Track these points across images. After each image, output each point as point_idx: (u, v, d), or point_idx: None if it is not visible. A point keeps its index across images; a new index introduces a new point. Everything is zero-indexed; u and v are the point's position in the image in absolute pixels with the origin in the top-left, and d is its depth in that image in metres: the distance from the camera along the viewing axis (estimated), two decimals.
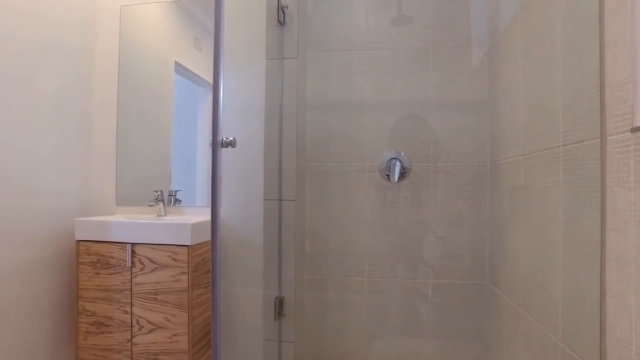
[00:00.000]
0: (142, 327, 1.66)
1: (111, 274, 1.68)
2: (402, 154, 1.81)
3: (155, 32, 2.05)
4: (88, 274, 1.71)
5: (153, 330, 1.65)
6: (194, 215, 1.92)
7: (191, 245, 1.61)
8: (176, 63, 2.06)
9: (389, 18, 1.83)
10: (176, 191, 1.93)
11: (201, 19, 2.06)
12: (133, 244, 1.65)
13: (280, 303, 1.73)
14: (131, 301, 1.67)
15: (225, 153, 1.86)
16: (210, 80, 2.02)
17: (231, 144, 1.08)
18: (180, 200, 1.94)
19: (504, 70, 1.57)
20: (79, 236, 1.70)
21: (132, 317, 1.67)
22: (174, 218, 1.84)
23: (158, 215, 1.87)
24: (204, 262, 1.74)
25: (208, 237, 1.76)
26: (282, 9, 1.71)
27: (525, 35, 1.37)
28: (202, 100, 2.10)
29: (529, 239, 1.32)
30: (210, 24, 2.04)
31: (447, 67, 1.78)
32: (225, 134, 1.85)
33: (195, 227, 1.62)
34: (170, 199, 1.92)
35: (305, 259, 1.82)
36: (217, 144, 1.03)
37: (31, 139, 1.67)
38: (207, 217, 1.85)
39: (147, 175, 2.00)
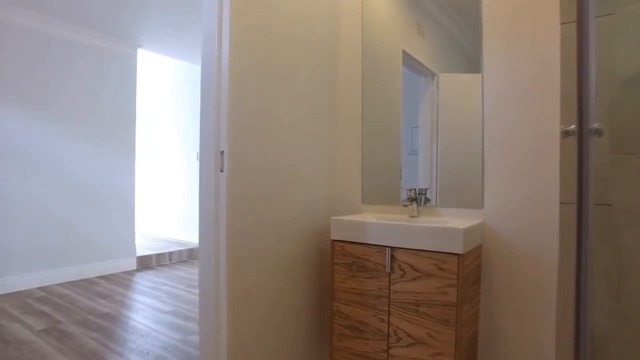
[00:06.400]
0: (400, 339, 1.51)
1: (367, 278, 1.58)
2: None
3: (386, 24, 1.93)
4: (343, 275, 1.65)
5: (412, 344, 1.48)
6: (449, 216, 1.68)
7: (462, 254, 1.37)
8: (403, 52, 1.89)
9: None
10: (426, 189, 1.73)
11: (422, 2, 1.83)
12: (392, 248, 1.51)
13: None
14: (388, 309, 1.53)
15: (494, 142, 1.57)
16: (433, 68, 1.81)
17: (598, 132, 0.77)
18: (429, 200, 1.73)
19: None
20: (335, 236, 1.65)
21: (389, 326, 1.53)
22: (431, 220, 1.64)
23: (410, 216, 1.70)
24: (471, 272, 1.48)
25: (476, 243, 1.50)
26: None
27: None
28: (424, 91, 1.88)
29: None
30: (431, 7, 1.80)
31: None
32: (503, 122, 1.55)
33: (467, 233, 1.38)
34: (420, 198, 1.73)
35: (612, 281, 1.38)
36: (586, 133, 0.74)
37: (292, 137, 1.71)
38: (468, 220, 1.59)
39: (384, 173, 1.89)
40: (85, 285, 3.57)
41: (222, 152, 1.48)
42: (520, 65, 1.49)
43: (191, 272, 4.13)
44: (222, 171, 1.49)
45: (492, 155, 1.58)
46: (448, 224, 1.48)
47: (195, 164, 5.32)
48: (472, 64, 1.70)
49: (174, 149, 5.74)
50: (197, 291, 3.44)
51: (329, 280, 1.93)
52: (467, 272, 1.42)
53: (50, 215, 3.55)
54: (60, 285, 3.55)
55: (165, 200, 5.87)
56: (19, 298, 3.15)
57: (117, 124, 4.01)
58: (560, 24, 1.31)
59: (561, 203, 1.34)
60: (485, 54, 1.61)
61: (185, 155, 5.52)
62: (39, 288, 3.43)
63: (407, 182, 1.82)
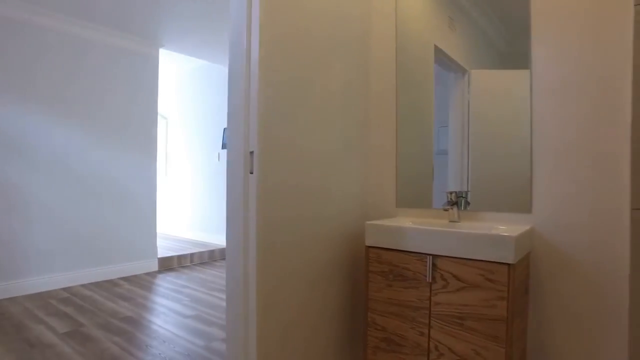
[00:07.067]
0: (442, 354, 1.39)
1: (405, 287, 1.47)
2: None
3: (419, 19, 1.81)
4: (379, 284, 1.54)
5: None
6: (493, 221, 1.55)
7: (513, 264, 1.25)
8: (435, 47, 1.78)
9: None
10: (467, 192, 1.61)
11: None
12: (434, 256, 1.39)
13: None
14: (429, 322, 1.42)
15: (545, 142, 1.44)
16: (464, 64, 1.72)
17: None
18: (469, 203, 1.61)
19: None
20: (370, 242, 1.55)
21: (429, 340, 1.42)
22: (473, 225, 1.52)
23: (450, 221, 1.58)
24: (521, 283, 1.36)
25: (525, 251, 1.38)
26: None
27: None
28: (454, 88, 1.76)
29: None
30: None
31: None
32: (556, 118, 1.38)
33: (518, 240, 1.25)
34: (460, 202, 1.61)
35: None
36: None
37: (325, 137, 1.61)
38: (515, 225, 1.46)
39: (418, 175, 1.78)
40: (107, 286, 3.55)
41: (251, 153, 1.40)
42: (578, 56, 1.36)
43: (212, 275, 4.08)
44: (251, 173, 1.40)
45: (543, 155, 1.45)
46: (494, 230, 1.36)
47: (214, 164, 5.28)
48: (504, 59, 1.58)
49: (192, 149, 5.71)
50: (218, 294, 3.38)
51: (362, 289, 1.83)
52: (517, 283, 1.30)
53: (73, 217, 3.54)
54: (83, 286, 3.53)
55: (181, 201, 5.85)
56: (44, 299, 3.15)
57: (139, 126, 3.99)
58: (635, 5, 1.17)
59: (633, 209, 1.20)
60: (534, 46, 1.48)
61: (203, 155, 5.48)
62: (63, 289, 3.43)
63: (436, 184, 1.71)
